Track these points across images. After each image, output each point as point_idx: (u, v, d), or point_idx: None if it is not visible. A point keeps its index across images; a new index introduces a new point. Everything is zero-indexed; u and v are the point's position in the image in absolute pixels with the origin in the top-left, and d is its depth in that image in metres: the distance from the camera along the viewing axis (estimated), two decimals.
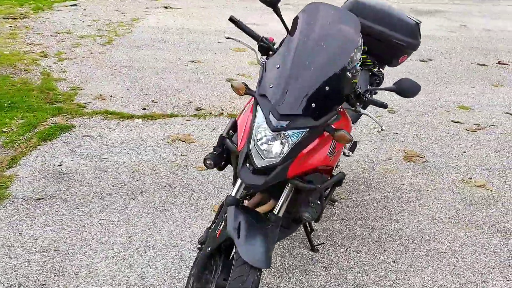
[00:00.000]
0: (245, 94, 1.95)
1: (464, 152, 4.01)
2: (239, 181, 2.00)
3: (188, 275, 2.17)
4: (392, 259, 2.69)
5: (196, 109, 4.73)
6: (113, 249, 2.65)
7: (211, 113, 4.69)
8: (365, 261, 2.66)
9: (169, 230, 2.84)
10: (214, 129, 4.30)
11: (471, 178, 3.61)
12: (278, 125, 1.77)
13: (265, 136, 1.81)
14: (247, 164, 1.86)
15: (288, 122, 1.77)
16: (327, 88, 1.80)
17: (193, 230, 2.85)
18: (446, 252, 2.76)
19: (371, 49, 2.81)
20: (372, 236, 2.88)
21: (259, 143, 1.82)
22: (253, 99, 2.06)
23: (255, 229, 1.87)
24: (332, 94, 1.81)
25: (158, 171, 3.52)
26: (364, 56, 2.82)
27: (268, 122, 1.78)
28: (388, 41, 2.84)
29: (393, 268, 2.61)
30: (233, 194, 2.00)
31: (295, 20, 2.03)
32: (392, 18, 2.85)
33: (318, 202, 1.95)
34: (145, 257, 2.59)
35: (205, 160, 2.05)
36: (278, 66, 1.86)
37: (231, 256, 1.98)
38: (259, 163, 1.82)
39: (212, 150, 2.10)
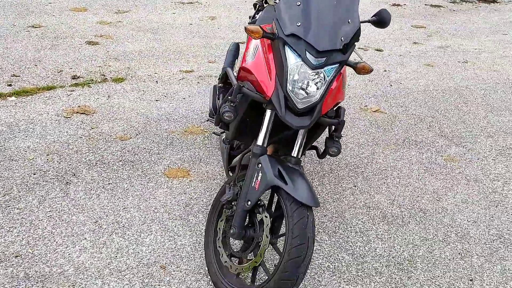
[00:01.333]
0: (262, 37, 1.91)
1: (349, 85, 4.55)
2: (264, 129, 1.98)
3: (207, 241, 2.11)
4: (352, 184, 3.01)
5: (73, 78, 4.24)
6: (85, 238, 2.35)
7: (92, 80, 4.27)
8: (333, 190, 2.92)
9: (134, 206, 2.62)
10: (109, 96, 3.95)
11: (366, 106, 4.16)
12: (317, 63, 1.81)
13: (303, 76, 1.83)
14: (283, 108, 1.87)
15: (325, 58, 1.82)
16: (349, 21, 1.89)
17: (160, 200, 2.69)
18: (387, 169, 3.21)
19: None
20: (324, 168, 3.15)
21: (298, 84, 1.83)
22: (257, 41, 2.03)
23: (294, 172, 1.92)
24: (353, 27, 1.91)
25: (77, 149, 3.13)
26: None
27: (307, 60, 1.80)
28: None
29: (358, 191, 2.94)
30: (259, 144, 1.98)
31: None
32: None
33: (341, 136, 2.08)
34: (128, 238, 2.37)
35: (223, 113, 1.97)
36: (298, 3, 1.85)
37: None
38: (301, 104, 1.85)
39: (225, 102, 2.02)
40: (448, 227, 2.66)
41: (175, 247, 2.33)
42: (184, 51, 5.24)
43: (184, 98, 4.10)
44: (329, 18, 1.83)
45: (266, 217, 1.92)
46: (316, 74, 1.83)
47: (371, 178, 3.09)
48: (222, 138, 2.58)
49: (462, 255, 2.45)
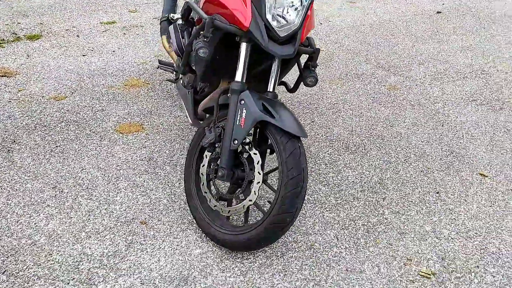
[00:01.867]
0: None
1: None
2: (241, 64, 1.90)
3: (189, 189, 2.04)
4: (310, 120, 3.05)
5: None
6: (49, 205, 2.16)
7: (3, 40, 3.83)
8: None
9: (94, 166, 2.44)
10: (29, 56, 3.58)
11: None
12: None
13: (281, 2, 1.77)
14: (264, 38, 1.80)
15: None
16: None
17: (120, 157, 2.53)
18: (338, 102, 3.29)
19: None
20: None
21: (278, 10, 1.77)
22: None
23: (278, 105, 1.88)
24: None
25: (9, 114, 2.82)
26: None
27: None
28: None
29: (317, 126, 2.99)
30: (239, 80, 1.91)
31: None
32: None
33: (317, 65, 2.06)
34: (97, 200, 2.22)
35: (197, 50, 1.85)
36: None
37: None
38: (282, 32, 1.79)
39: (196, 38, 1.90)
40: (406, 149, 2.81)
41: (150, 202, 2.22)
42: (100, 2, 4.84)
43: (113, 51, 3.83)
44: None
45: (255, 154, 1.88)
46: (294, 0, 1.77)
47: (326, 113, 3.15)
48: (182, 83, 2.44)
49: (425, 172, 2.61)
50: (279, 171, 1.81)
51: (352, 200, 2.34)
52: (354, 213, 2.26)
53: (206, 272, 1.86)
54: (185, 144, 2.68)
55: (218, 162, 1.93)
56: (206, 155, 2.02)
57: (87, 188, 2.28)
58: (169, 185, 2.34)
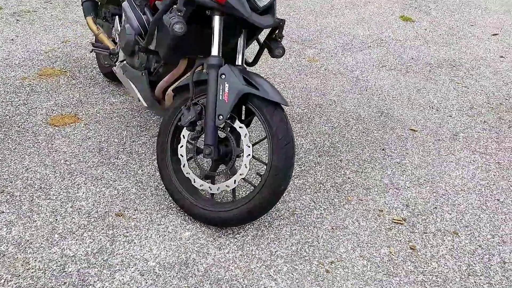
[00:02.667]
0: None
1: None
2: (216, 38, 1.87)
3: (167, 174, 1.99)
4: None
5: None
6: (3, 211, 1.93)
7: None
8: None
9: (39, 164, 2.23)
10: None
11: None
12: None
13: None
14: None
15: None
16: None
17: (65, 151, 2.34)
18: (268, 77, 3.37)
19: None
20: None
21: None
22: None
23: (257, 77, 1.90)
24: None
25: None
26: None
27: None
28: None
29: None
30: (216, 54, 1.88)
31: None
32: None
33: (283, 36, 2.10)
34: (58, 198, 2.04)
35: (173, 25, 1.78)
36: None
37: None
38: (262, 2, 1.80)
39: (169, 13, 1.83)
40: (343, 114, 3.01)
41: (118, 193, 2.10)
42: None
43: (12, 40, 3.44)
44: None
45: (241, 127, 1.88)
46: None
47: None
48: (130, 65, 2.32)
49: (366, 133, 2.83)
50: (268, 141, 1.84)
51: (314, 166, 2.46)
52: (320, 176, 2.38)
53: (204, 253, 1.83)
54: (133, 130, 2.56)
55: (202, 140, 1.89)
56: (183, 135, 1.96)
57: (40, 188, 2.07)
58: (132, 174, 2.23)
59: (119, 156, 2.34)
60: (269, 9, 1.86)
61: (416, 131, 2.90)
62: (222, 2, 1.77)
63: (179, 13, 1.79)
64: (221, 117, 1.83)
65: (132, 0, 2.09)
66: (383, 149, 2.67)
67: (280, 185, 1.83)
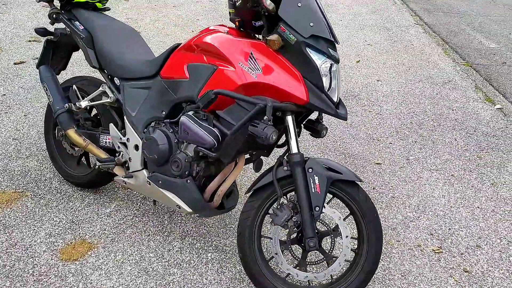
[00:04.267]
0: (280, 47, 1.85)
1: None
2: (293, 136, 1.93)
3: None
4: None
5: None
6: None
7: None
8: None
9: None
10: None
11: None
12: (337, 56, 1.90)
13: (331, 71, 1.87)
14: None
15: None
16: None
17: (113, 286, 2.12)
18: None
19: None
20: None
21: (333, 82, 1.90)
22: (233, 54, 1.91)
23: (328, 161, 2.02)
24: None
25: None
26: None
27: (332, 57, 1.84)
28: None
29: None
30: (296, 151, 1.94)
31: None
32: None
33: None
34: None
35: (270, 135, 1.82)
36: (299, 4, 1.83)
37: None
38: (336, 97, 1.91)
39: (258, 124, 1.85)
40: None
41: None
42: None
43: None
44: (322, 11, 1.91)
45: (334, 212, 1.99)
46: (333, 67, 1.91)
47: None
48: (163, 176, 2.21)
49: None
50: (358, 219, 2.00)
51: None
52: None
53: None
54: (157, 238, 2.41)
55: (302, 234, 1.96)
56: (273, 232, 2.00)
57: None
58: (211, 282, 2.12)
59: (171, 271, 2.19)
60: (339, 102, 1.98)
61: (381, 163, 3.32)
62: (303, 103, 1.86)
63: (269, 122, 1.83)
64: (317, 208, 1.92)
65: (192, 114, 2.02)
66: (373, 188, 3.01)
67: (374, 267, 2.00)
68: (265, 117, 1.84)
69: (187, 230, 2.49)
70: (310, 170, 1.92)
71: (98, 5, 2.57)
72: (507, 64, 5.88)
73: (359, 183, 2.04)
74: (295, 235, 2.06)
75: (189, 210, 2.18)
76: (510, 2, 10.22)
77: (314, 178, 1.92)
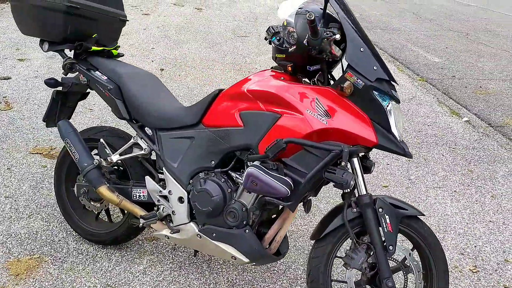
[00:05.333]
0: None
1: None
2: (360, 177, 1.92)
3: None
4: None
5: None
6: None
7: None
8: None
9: None
10: None
11: None
12: (397, 96, 1.94)
13: (396, 112, 1.90)
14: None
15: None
16: None
17: None
18: None
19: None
20: None
21: (399, 124, 1.93)
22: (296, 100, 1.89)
23: (392, 199, 2.04)
24: None
25: None
26: None
27: (395, 98, 1.87)
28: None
29: None
30: (364, 192, 1.94)
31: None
32: None
33: None
34: None
35: (350, 181, 1.82)
36: (362, 49, 1.85)
37: None
38: (399, 135, 1.95)
39: (335, 170, 1.84)
40: None
41: None
42: None
43: None
44: (377, 54, 1.94)
45: (404, 249, 2.01)
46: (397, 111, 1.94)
47: None
48: (217, 228, 2.12)
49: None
50: (425, 251, 2.03)
51: None
52: None
53: None
54: None
55: (375, 274, 1.95)
56: (348, 276, 1.98)
57: None
58: None
59: None
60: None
61: (387, 186, 3.41)
62: (371, 145, 1.87)
63: (347, 168, 1.82)
64: (391, 247, 1.92)
65: (259, 165, 1.94)
66: None
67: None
68: (343, 163, 1.83)
69: (232, 279, 2.38)
70: (381, 210, 1.93)
71: (114, 52, 2.43)
72: (456, 77, 6.31)
73: (421, 217, 2.07)
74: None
75: (246, 260, 2.09)
76: (434, 17, 11.04)
77: (385, 217, 1.92)
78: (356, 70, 1.83)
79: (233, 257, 2.10)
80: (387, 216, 1.92)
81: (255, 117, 1.96)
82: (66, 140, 2.32)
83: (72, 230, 2.60)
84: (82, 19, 2.27)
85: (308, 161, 1.89)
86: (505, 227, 2.97)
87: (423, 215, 2.00)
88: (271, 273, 2.45)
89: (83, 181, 2.44)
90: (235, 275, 2.42)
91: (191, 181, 2.14)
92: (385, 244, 1.92)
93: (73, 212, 2.55)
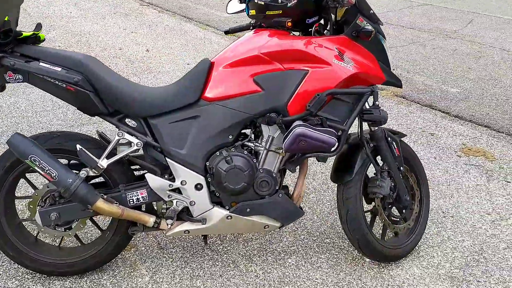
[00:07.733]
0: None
1: None
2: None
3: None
4: None
5: None
6: None
7: None
8: None
9: None
10: None
11: None
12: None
13: (386, 49, 2.14)
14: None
15: None
16: None
17: None
18: None
19: None
20: None
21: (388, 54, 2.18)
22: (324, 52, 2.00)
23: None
24: None
25: None
26: None
27: (383, 34, 2.15)
28: None
29: None
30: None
31: None
32: None
33: None
34: None
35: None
36: None
37: None
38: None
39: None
40: None
41: None
42: None
43: None
44: None
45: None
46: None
47: None
48: (250, 203, 2.06)
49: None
50: (411, 167, 2.40)
51: None
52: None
53: None
54: None
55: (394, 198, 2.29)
56: (377, 205, 2.26)
57: None
58: None
59: None
60: None
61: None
62: (381, 83, 2.11)
63: (380, 106, 2.12)
64: (402, 168, 2.26)
65: (303, 123, 1.95)
66: None
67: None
68: (376, 102, 2.01)
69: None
70: (389, 138, 2.20)
71: (42, 36, 1.96)
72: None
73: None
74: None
75: (278, 224, 2.13)
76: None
77: (393, 144, 2.21)
78: (365, 15, 1.99)
79: (266, 226, 2.08)
80: (393, 143, 2.19)
81: (277, 79, 1.95)
82: (31, 157, 1.82)
83: (34, 272, 2.09)
84: None
85: (340, 109, 2.01)
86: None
87: (405, 135, 2.34)
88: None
89: (50, 206, 1.96)
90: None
91: (207, 163, 1.97)
92: (398, 167, 2.21)
93: (24, 247, 2.11)
